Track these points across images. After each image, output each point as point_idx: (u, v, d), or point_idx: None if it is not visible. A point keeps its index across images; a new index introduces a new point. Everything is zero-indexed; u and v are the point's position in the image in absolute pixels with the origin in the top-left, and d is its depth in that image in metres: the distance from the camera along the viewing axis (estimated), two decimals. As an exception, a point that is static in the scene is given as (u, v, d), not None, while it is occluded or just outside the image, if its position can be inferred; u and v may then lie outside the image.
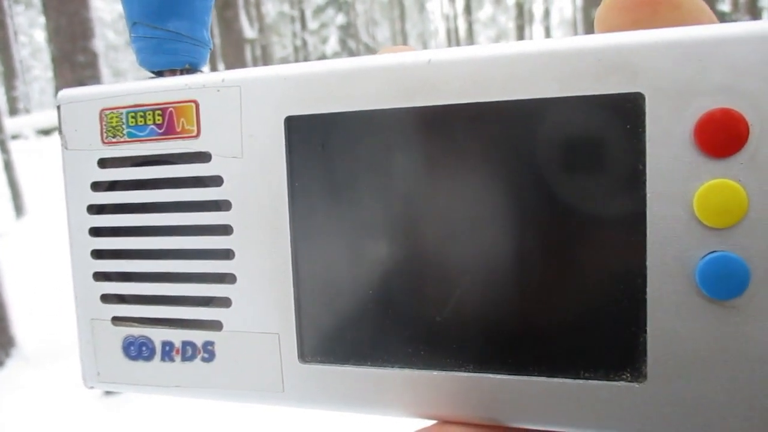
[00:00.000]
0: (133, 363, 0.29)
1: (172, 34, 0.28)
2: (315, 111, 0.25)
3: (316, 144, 0.26)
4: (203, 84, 0.27)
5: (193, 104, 0.27)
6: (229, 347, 0.27)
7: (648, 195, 0.22)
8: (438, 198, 0.24)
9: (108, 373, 0.30)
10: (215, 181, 0.27)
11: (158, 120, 0.27)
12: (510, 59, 0.23)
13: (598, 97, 0.22)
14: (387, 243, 0.25)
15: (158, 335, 0.29)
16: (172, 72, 0.29)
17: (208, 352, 0.28)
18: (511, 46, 0.23)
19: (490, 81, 0.23)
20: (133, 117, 0.28)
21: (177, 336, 0.28)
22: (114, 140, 0.28)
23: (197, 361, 0.28)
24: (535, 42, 0.23)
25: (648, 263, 0.22)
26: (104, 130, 0.28)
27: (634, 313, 0.22)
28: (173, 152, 0.27)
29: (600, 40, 0.22)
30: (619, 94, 0.22)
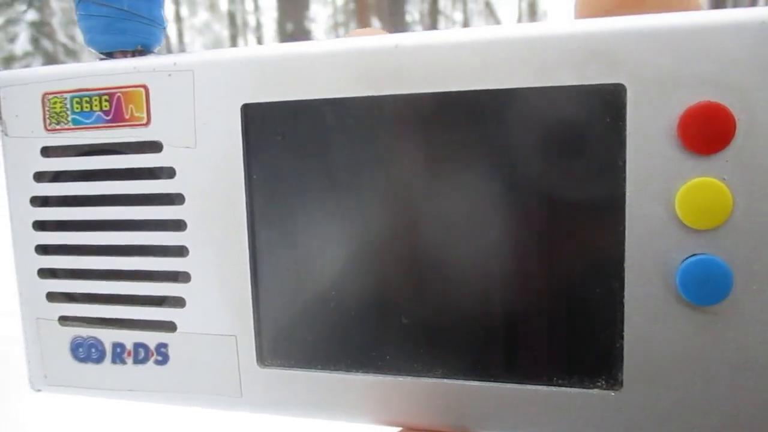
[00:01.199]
0: (82, 365, 0.27)
1: (123, 13, 0.26)
2: (274, 98, 0.24)
3: (276, 134, 0.24)
4: (153, 67, 0.25)
5: (142, 89, 0.25)
6: (184, 349, 0.26)
7: (627, 193, 0.21)
8: (406, 193, 0.23)
9: (55, 376, 0.28)
10: (167, 172, 0.25)
11: (105, 106, 0.25)
12: (483, 46, 0.22)
13: (576, 87, 0.21)
14: (351, 240, 0.24)
15: (108, 336, 0.27)
16: (123, 53, 0.26)
17: (162, 354, 0.26)
18: (485, 32, 0.22)
19: (462, 69, 0.22)
20: (78, 102, 0.26)
21: (128, 337, 0.27)
22: (58, 127, 0.26)
23: (150, 363, 0.26)
24: (511, 27, 0.22)
25: (626, 266, 0.21)
26: (47, 116, 0.26)
27: (611, 317, 0.21)
28: (122, 141, 0.25)
29: (579, 26, 0.21)
30: (598, 85, 0.21)
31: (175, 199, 0.25)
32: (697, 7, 0.22)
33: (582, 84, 0.21)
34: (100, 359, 0.27)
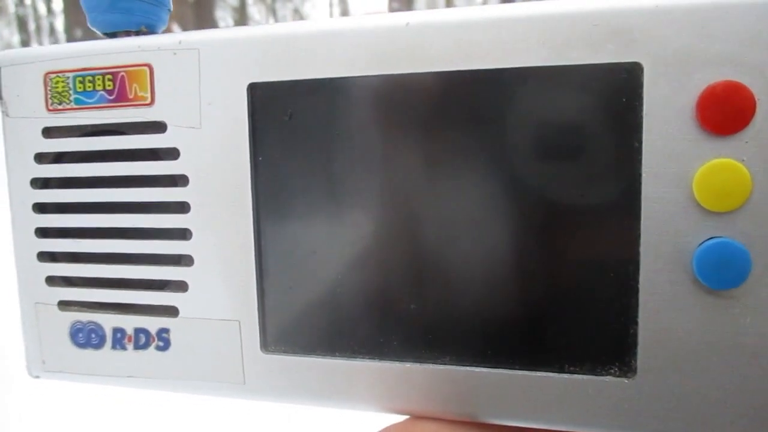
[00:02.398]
0: (82, 351, 0.27)
1: (127, -8, 0.26)
2: (281, 77, 0.23)
3: (283, 113, 0.24)
4: (158, 46, 0.24)
5: (146, 68, 0.24)
6: (186, 335, 0.25)
7: (643, 175, 0.20)
8: (415, 176, 0.22)
9: (54, 362, 0.27)
10: (171, 153, 0.25)
11: (108, 85, 0.25)
12: (496, 24, 0.21)
13: (591, 66, 0.20)
14: (359, 223, 0.23)
15: (109, 321, 0.26)
16: (127, 34, 0.26)
17: (163, 340, 0.26)
18: (499, 10, 0.21)
19: (474, 47, 0.21)
20: (80, 82, 0.25)
21: (129, 322, 0.26)
22: (60, 107, 0.26)
23: (151, 349, 0.26)
24: (524, 5, 0.21)
25: (641, 250, 0.20)
26: (49, 96, 0.26)
27: (625, 303, 0.21)
28: (125, 121, 0.25)
29: (595, 3, 0.20)
30: (614, 64, 0.20)
31: (178, 180, 0.25)
32: None
33: (597, 63, 0.20)
34: (99, 345, 0.27)
